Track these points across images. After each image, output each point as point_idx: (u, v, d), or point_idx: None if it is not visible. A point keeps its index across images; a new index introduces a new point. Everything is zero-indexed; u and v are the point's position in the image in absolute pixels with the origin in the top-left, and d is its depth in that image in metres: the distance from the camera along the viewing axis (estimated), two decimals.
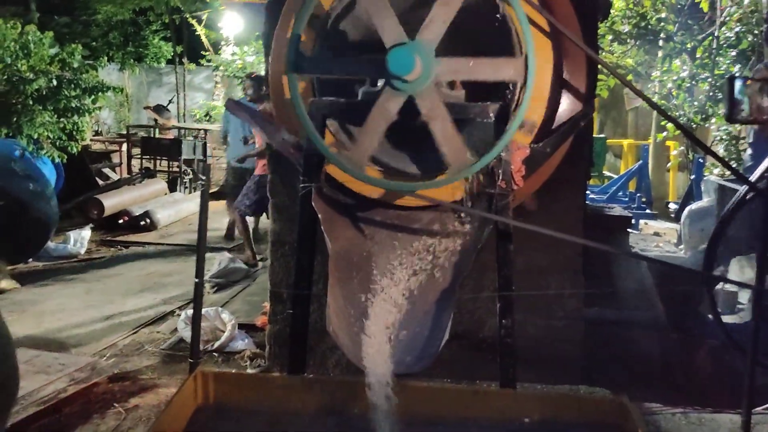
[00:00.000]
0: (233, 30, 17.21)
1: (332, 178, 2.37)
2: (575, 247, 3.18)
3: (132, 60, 9.66)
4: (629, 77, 9.66)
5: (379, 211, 2.38)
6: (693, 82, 9.10)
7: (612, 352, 3.62)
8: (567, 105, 2.54)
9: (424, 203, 2.29)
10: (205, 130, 11.84)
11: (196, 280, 3.24)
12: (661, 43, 9.66)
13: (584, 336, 3.29)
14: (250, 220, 7.68)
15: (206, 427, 1.80)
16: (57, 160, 7.20)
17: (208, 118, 14.83)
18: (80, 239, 7.76)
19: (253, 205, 7.16)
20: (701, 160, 8.37)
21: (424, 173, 2.39)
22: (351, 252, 2.24)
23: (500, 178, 2.24)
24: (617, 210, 5.18)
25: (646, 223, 9.27)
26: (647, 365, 3.53)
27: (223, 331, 4.94)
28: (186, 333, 5.00)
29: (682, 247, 7.27)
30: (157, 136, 11.95)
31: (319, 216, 2.24)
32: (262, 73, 6.99)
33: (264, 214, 7.24)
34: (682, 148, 9.89)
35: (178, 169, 10.95)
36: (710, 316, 3.67)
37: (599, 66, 2.81)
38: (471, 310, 3.18)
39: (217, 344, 4.82)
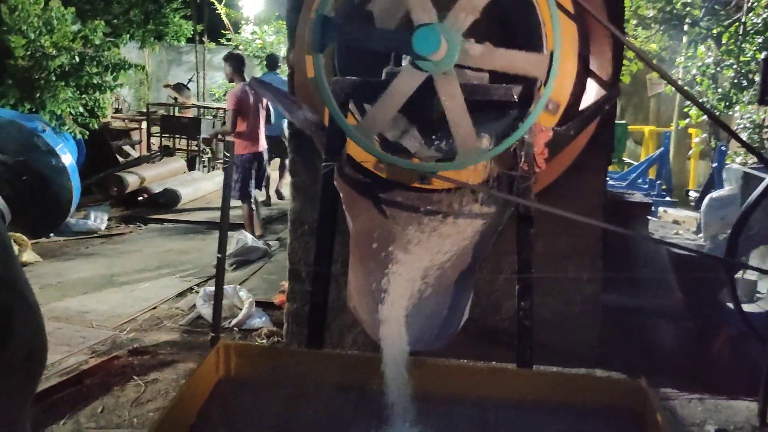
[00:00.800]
0: (253, 9, 17.20)
1: (354, 158, 2.38)
2: (595, 232, 3.18)
3: (152, 38, 9.67)
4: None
5: (400, 192, 2.39)
6: (718, 69, 8.98)
7: (629, 338, 3.62)
8: (592, 89, 2.53)
9: (445, 185, 2.29)
10: (225, 110, 11.86)
11: (219, 255, 3.27)
12: (686, 28, 9.53)
13: (601, 321, 3.29)
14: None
15: (228, 399, 1.83)
16: (78, 136, 7.26)
17: (226, 97, 14.84)
18: (100, 215, 7.84)
19: (237, 191, 6.87)
20: (723, 148, 8.28)
21: (445, 155, 2.39)
22: (372, 231, 2.26)
23: (522, 160, 2.23)
24: (637, 196, 5.14)
25: (665, 211, 9.20)
26: (664, 353, 3.53)
27: (241, 309, 4.99)
28: (204, 309, 5.06)
29: (701, 235, 7.22)
30: (176, 114, 12.00)
31: (341, 195, 2.25)
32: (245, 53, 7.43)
33: (252, 193, 7.11)
34: (705, 135, 9.79)
35: (196, 148, 11.00)
36: (730, 304, 3.66)
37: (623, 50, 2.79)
38: (488, 293, 3.19)
39: (234, 321, 4.87)
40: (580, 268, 3.17)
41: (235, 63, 7.05)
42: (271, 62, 9.15)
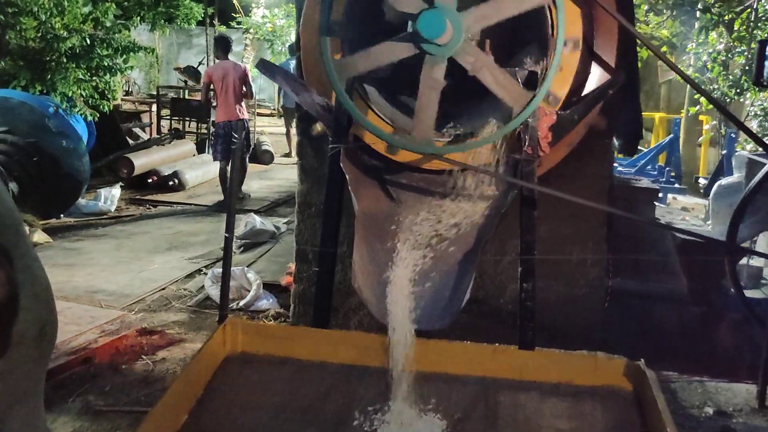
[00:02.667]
0: None
1: (360, 140, 2.40)
2: (599, 216, 3.19)
3: (163, 21, 9.67)
4: (663, 49, 9.49)
5: (405, 174, 2.41)
6: (729, 56, 8.92)
7: (632, 323, 3.64)
8: (597, 73, 2.53)
9: (450, 167, 2.31)
10: None
11: (226, 235, 3.31)
12: (697, 14, 9.45)
13: (605, 305, 3.31)
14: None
15: (234, 375, 1.87)
16: (89, 118, 7.30)
17: None
18: (110, 197, 7.90)
19: (219, 153, 7.98)
20: (733, 135, 8.24)
21: (451, 137, 2.41)
22: (377, 212, 2.28)
23: (526, 143, 2.25)
24: (644, 182, 5.14)
25: (674, 198, 9.18)
26: (667, 337, 3.55)
27: (249, 290, 5.03)
28: (212, 291, 5.11)
29: (709, 222, 7.21)
30: (186, 97, 12.02)
31: (347, 176, 2.28)
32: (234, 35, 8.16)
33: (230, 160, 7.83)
34: (715, 122, 9.74)
35: (206, 131, 11.03)
36: (732, 289, 3.68)
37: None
38: (492, 276, 3.22)
39: (242, 303, 4.92)
40: (584, 252, 3.19)
41: (217, 43, 8.33)
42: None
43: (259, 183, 9.59)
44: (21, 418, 1.34)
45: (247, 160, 8.84)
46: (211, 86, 8.06)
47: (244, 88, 8.01)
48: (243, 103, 8.09)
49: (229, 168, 7.82)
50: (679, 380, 2.86)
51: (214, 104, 8.27)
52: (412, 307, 1.93)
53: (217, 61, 8.23)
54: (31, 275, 1.29)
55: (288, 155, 11.57)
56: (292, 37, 16.19)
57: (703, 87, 7.09)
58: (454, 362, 1.91)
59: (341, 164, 2.30)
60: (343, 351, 1.93)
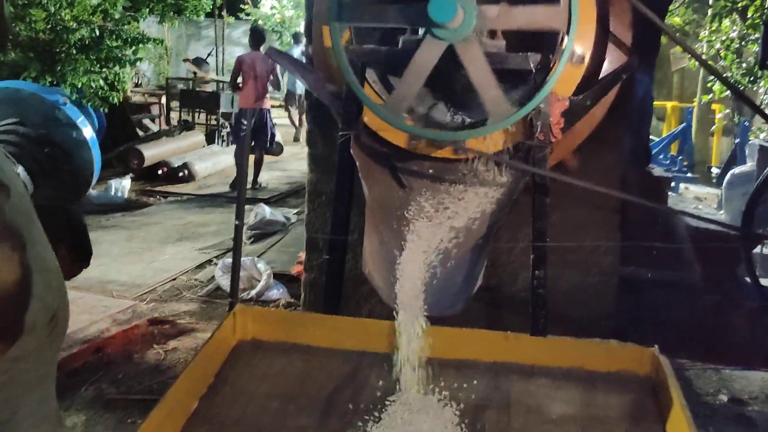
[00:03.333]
0: None
1: (370, 127, 2.38)
2: (612, 204, 3.16)
3: (172, 12, 9.67)
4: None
5: (415, 162, 2.39)
6: (742, 43, 8.82)
7: (645, 311, 3.61)
8: (611, 58, 2.50)
9: (461, 155, 2.29)
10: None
11: (236, 223, 3.31)
12: (710, 1, 9.35)
13: (618, 293, 3.29)
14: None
15: (244, 362, 1.87)
16: (99, 109, 7.31)
17: None
18: (121, 188, 7.92)
19: (238, 138, 8.49)
20: (747, 124, 8.17)
21: (462, 125, 2.39)
22: (387, 199, 2.27)
23: (539, 130, 2.23)
24: (657, 170, 5.10)
25: (686, 187, 9.12)
26: (681, 325, 3.52)
27: (259, 280, 5.04)
28: (223, 281, 5.12)
29: (722, 212, 7.16)
30: (195, 89, 12.02)
31: (357, 163, 2.26)
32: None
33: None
34: (728, 110, 9.65)
35: (215, 122, 11.03)
36: (747, 278, 3.64)
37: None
38: (504, 264, 3.20)
39: (253, 292, 4.93)
40: (597, 240, 3.16)
41: (250, 35, 8.91)
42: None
43: (269, 174, 9.59)
44: (33, 404, 1.34)
45: (267, 149, 9.04)
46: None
47: (271, 78, 8.42)
48: (268, 95, 8.56)
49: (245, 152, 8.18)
50: (693, 368, 2.84)
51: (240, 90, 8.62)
52: (423, 294, 1.92)
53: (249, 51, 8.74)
54: (42, 263, 1.28)
55: (297, 139, 11.94)
56: (301, 28, 16.16)
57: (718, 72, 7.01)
58: (465, 349, 1.90)
59: (351, 152, 2.29)
60: (354, 337, 1.92)
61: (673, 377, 1.73)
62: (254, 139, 8.37)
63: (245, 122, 8.12)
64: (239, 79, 8.44)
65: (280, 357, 1.89)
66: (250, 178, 9.02)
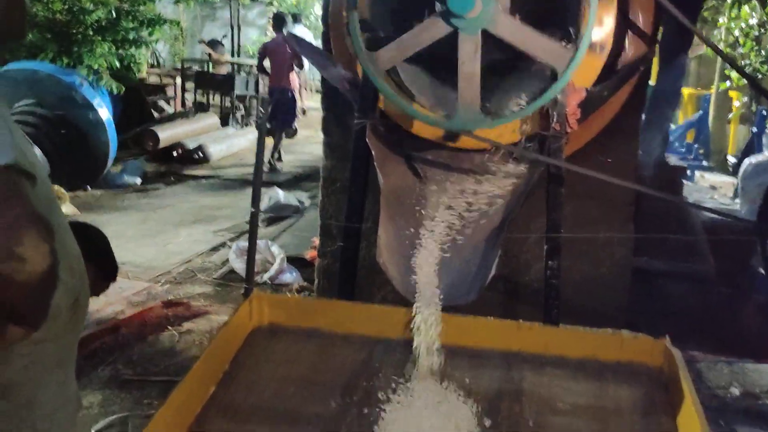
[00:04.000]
0: None
1: (386, 116, 2.39)
2: (626, 196, 3.16)
3: None
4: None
5: (431, 151, 2.40)
6: (762, 30, 8.71)
7: (659, 303, 3.62)
8: (630, 48, 2.49)
9: (477, 145, 2.30)
10: None
11: (252, 210, 3.34)
12: None
13: (630, 285, 3.29)
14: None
15: (261, 348, 1.89)
16: (115, 91, 7.34)
17: None
18: (136, 170, 7.97)
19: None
20: (765, 112, 8.09)
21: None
22: (402, 189, 2.28)
23: (554, 120, 2.23)
24: (672, 159, 5.07)
25: (702, 176, 9.06)
26: (694, 318, 3.52)
27: (273, 264, 5.08)
28: (237, 264, 5.16)
29: (738, 201, 7.11)
30: (210, 70, 12.03)
31: (372, 152, 2.28)
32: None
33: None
34: (746, 99, 9.55)
35: (230, 105, 11.05)
36: (762, 270, 3.64)
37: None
38: (517, 254, 3.21)
39: (266, 276, 4.97)
40: (610, 231, 3.16)
41: (274, 20, 9.78)
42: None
43: (283, 157, 9.62)
44: (54, 386, 1.37)
45: (290, 132, 9.76)
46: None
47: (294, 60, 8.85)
48: (293, 75, 9.13)
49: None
50: (705, 360, 2.85)
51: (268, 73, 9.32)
52: (437, 283, 1.94)
53: (273, 35, 9.90)
54: (64, 247, 1.31)
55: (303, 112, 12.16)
56: (316, 10, 16.07)
57: (734, 62, 6.94)
58: (478, 337, 1.92)
59: (367, 140, 2.30)
60: (369, 324, 1.94)
61: (685, 369, 1.74)
62: (274, 119, 8.90)
63: (278, 101, 8.79)
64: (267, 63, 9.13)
65: (295, 343, 1.92)
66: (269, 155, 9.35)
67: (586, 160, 2.72)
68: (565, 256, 2.51)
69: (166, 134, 9.04)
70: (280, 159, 9.37)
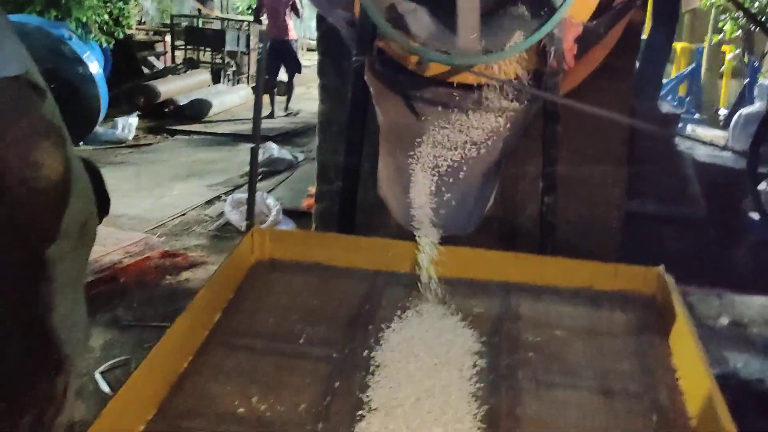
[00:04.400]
0: None
1: (384, 53, 2.39)
2: (620, 136, 3.19)
3: None
4: None
5: (429, 89, 2.41)
6: None
7: (651, 246, 3.67)
8: None
9: (475, 81, 2.31)
10: (249, 22, 11.72)
11: (252, 146, 3.37)
12: None
13: (624, 227, 3.34)
14: None
15: (263, 280, 1.93)
16: (105, 45, 7.26)
17: (249, 11, 14.63)
18: (128, 125, 7.93)
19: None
20: (756, 64, 8.09)
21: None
22: (401, 125, 2.30)
23: (551, 56, 2.24)
24: (665, 107, 5.09)
25: (693, 129, 9.09)
26: (685, 259, 3.58)
27: (268, 216, 5.11)
28: (232, 216, 5.19)
29: (729, 154, 7.15)
30: (200, 26, 11.88)
31: (371, 89, 2.28)
32: None
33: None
34: (738, 51, 9.53)
35: (221, 61, 10.94)
36: (753, 213, 3.69)
37: None
38: (512, 195, 3.24)
39: (263, 227, 4.99)
40: (604, 173, 3.20)
41: None
42: None
43: (275, 114, 9.58)
44: (68, 305, 1.41)
45: (294, 80, 9.80)
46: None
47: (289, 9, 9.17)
48: (291, 25, 9.25)
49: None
50: (695, 293, 2.92)
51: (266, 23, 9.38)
52: (436, 215, 1.98)
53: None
54: (73, 171, 1.33)
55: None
56: None
57: (729, 11, 6.91)
58: (477, 268, 1.96)
59: (365, 77, 2.30)
60: (370, 257, 1.98)
61: (678, 294, 1.79)
62: (285, 67, 9.41)
63: (277, 53, 8.95)
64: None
65: (297, 275, 1.96)
66: (281, 107, 9.80)
67: (580, 100, 2.73)
68: (560, 197, 2.54)
69: (158, 90, 8.97)
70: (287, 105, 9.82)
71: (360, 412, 1.49)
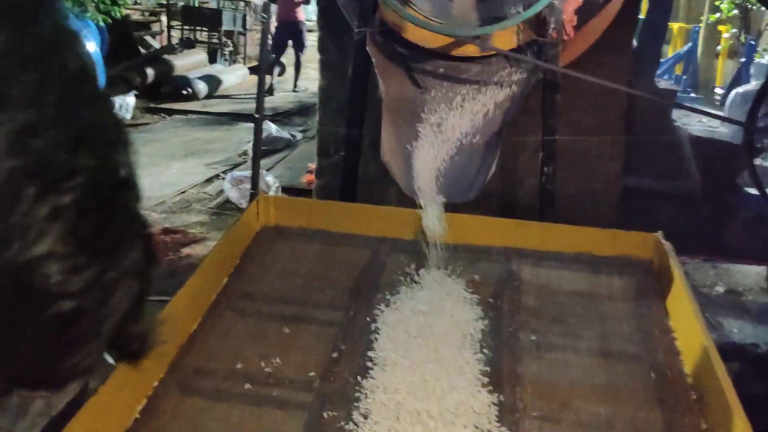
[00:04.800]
0: None
1: (385, 24, 2.41)
2: (618, 110, 3.23)
3: None
4: None
5: (431, 61, 2.43)
6: None
7: (647, 219, 3.71)
8: None
9: (476, 52, 2.33)
10: (246, 2, 11.68)
11: (257, 116, 3.40)
12: None
13: (621, 200, 3.38)
14: None
15: (269, 246, 1.96)
16: (101, 23, 7.22)
17: None
18: (125, 105, 7.91)
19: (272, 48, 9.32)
20: (753, 43, 8.10)
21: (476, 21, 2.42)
22: (403, 97, 2.33)
23: (551, 27, 2.26)
24: (663, 83, 5.12)
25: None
26: (681, 231, 3.63)
27: (267, 193, 5.13)
28: (232, 193, 5.21)
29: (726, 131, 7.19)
30: (197, 5, 11.82)
31: (373, 60, 2.31)
32: None
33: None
34: (734, 30, 9.54)
35: (217, 41, 10.91)
36: (747, 188, 3.73)
37: None
38: (511, 169, 3.28)
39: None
40: (602, 146, 3.24)
41: None
42: None
43: (275, 93, 9.58)
44: None
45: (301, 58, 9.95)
46: None
47: None
48: (300, 8, 9.38)
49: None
50: (691, 262, 2.97)
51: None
52: (438, 183, 2.01)
53: None
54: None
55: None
56: None
57: None
58: (479, 234, 1.99)
59: (367, 49, 2.33)
60: (374, 224, 2.01)
61: (675, 259, 1.83)
62: (293, 46, 9.62)
63: (284, 35, 9.30)
64: None
65: (302, 242, 1.99)
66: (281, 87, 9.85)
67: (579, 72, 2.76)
68: (558, 170, 2.58)
69: (153, 70, 8.94)
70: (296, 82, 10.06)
71: (365, 372, 1.53)
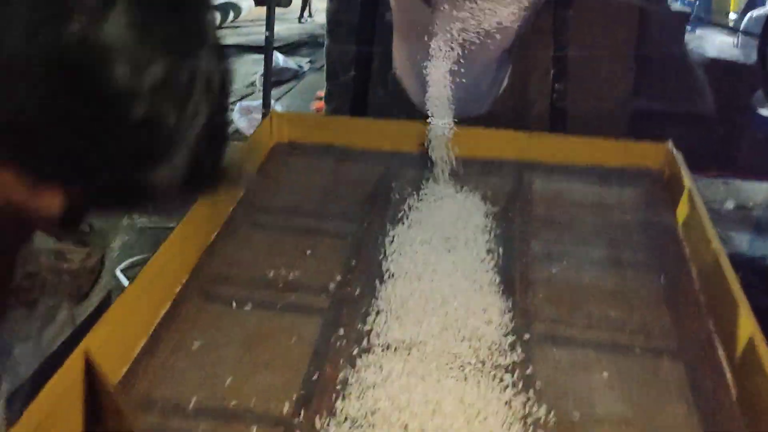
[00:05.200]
0: None
1: None
2: (628, 33, 3.19)
3: None
4: None
5: None
6: None
7: (656, 139, 3.70)
8: None
9: None
10: None
11: (266, 33, 3.43)
12: None
13: (631, 122, 3.37)
14: None
15: (282, 161, 1.99)
16: None
17: None
18: None
19: None
20: None
21: None
22: (414, 14, 2.30)
23: None
24: (675, 6, 5.01)
25: (703, 33, 8.93)
26: (692, 150, 3.63)
27: None
28: (241, 123, 5.19)
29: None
30: None
31: None
32: None
33: None
34: None
35: None
36: (761, 110, 3.71)
37: None
38: (521, 90, 3.26)
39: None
40: (613, 67, 3.21)
41: None
42: None
43: (278, 25, 9.42)
44: None
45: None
46: None
47: None
48: None
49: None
50: (702, 179, 2.97)
51: None
52: (449, 96, 2.01)
53: None
54: None
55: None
56: None
57: None
58: (490, 147, 2.01)
59: None
60: (386, 138, 2.03)
61: (685, 168, 1.84)
62: None
63: None
64: None
65: (316, 157, 2.01)
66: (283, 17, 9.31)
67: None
68: (569, 91, 2.57)
69: None
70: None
71: (381, 279, 1.57)
